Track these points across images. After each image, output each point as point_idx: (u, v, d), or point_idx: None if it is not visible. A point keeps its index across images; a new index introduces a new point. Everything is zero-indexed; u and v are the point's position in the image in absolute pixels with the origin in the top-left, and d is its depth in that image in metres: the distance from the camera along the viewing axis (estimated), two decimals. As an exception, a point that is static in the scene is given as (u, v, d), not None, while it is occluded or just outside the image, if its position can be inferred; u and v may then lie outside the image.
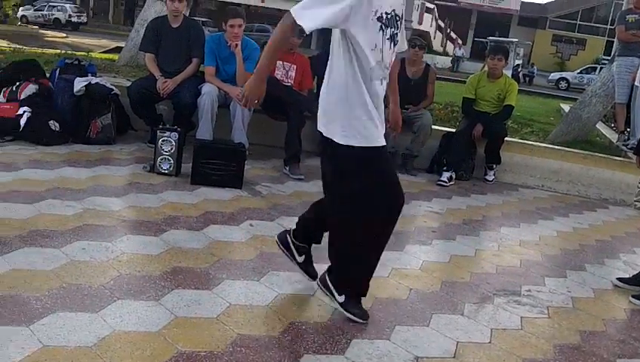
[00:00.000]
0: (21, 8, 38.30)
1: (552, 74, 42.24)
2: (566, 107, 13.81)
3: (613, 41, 11.06)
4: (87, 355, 2.72)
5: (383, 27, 3.15)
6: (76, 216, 4.35)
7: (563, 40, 52.83)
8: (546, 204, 6.92)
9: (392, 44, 3.27)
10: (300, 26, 3.00)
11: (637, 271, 4.73)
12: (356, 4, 3.01)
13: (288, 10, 3.03)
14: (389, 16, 3.16)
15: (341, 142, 3.19)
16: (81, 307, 3.10)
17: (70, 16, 42.65)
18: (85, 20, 44.16)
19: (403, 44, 3.52)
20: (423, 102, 7.52)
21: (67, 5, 44.72)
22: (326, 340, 3.18)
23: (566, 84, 39.32)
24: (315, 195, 5.75)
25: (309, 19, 2.99)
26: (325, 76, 3.34)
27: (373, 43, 3.14)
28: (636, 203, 4.55)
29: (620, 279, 4.68)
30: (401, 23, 3.30)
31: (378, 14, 3.12)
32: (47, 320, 2.92)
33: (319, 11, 2.99)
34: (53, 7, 43.28)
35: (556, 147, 8.04)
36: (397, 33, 3.27)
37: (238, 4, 35.05)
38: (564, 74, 41.96)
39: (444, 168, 7.19)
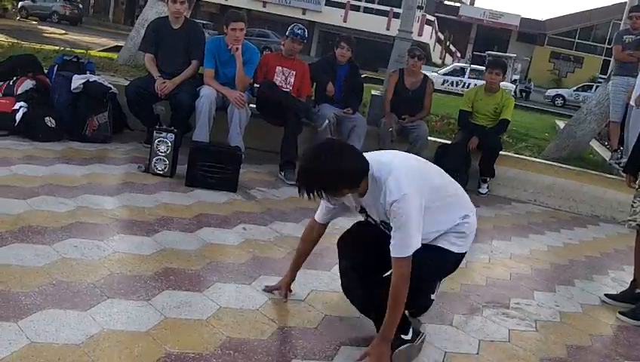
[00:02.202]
0: (21, 3, 38.32)
1: (548, 90, 42.32)
2: (561, 123, 13.86)
3: (609, 60, 11.09)
4: (74, 353, 2.72)
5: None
6: (69, 213, 4.35)
7: (561, 57, 53.00)
8: (538, 219, 6.94)
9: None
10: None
11: (625, 288, 4.76)
12: None
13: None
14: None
15: None
16: (70, 305, 3.09)
17: (64, 8, 42.59)
18: (76, 12, 43.85)
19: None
20: (419, 113, 7.54)
21: None
22: (314, 346, 3.18)
23: (562, 101, 39.39)
24: (309, 201, 5.76)
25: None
26: None
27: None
28: (630, 222, 4.56)
29: (607, 295, 4.70)
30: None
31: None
32: (35, 317, 2.92)
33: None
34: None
35: (550, 163, 8.07)
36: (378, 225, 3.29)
37: (240, 8, 35.13)
38: (560, 91, 42.03)
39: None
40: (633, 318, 4.35)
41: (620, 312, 4.42)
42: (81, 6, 46.66)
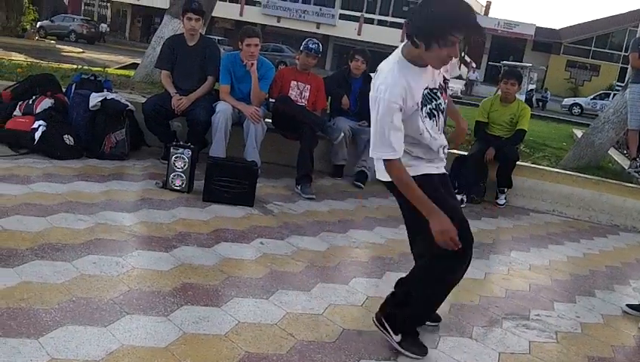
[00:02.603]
0: (39, 23, 38.86)
1: (565, 99, 42.22)
2: (579, 132, 13.79)
3: (627, 68, 11.03)
4: (95, 369, 2.74)
5: (423, 113, 3.16)
6: (88, 230, 4.38)
7: (577, 66, 52.83)
8: (556, 229, 6.90)
9: (436, 114, 3.25)
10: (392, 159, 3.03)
11: (647, 298, 4.72)
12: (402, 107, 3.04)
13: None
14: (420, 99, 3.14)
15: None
16: (90, 321, 3.11)
17: (81, 27, 43.50)
18: (93, 31, 44.80)
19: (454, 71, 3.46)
20: (435, 125, 7.52)
21: (77, 18, 45.53)
22: (333, 360, 3.17)
23: (579, 110, 39.28)
24: (326, 215, 5.79)
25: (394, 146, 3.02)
26: None
27: (419, 131, 3.18)
28: None
29: (629, 306, 4.65)
30: (440, 92, 3.24)
31: (416, 106, 3.11)
32: (56, 334, 2.94)
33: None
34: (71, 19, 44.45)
35: (568, 172, 8.02)
36: (437, 104, 3.23)
37: (255, 24, 35.35)
38: (577, 99, 41.91)
39: (456, 191, 7.17)
40: (655, 328, 4.31)
41: (641, 322, 4.39)
42: (105, 25, 47.53)
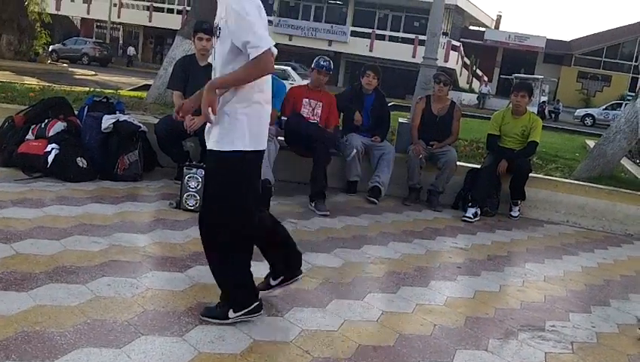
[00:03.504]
0: (51, 47, 39.21)
1: (577, 110, 42.12)
2: (591, 143, 13.76)
3: (638, 78, 11.00)
4: (111, 390, 2.74)
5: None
6: (102, 252, 4.39)
7: (588, 76, 52.69)
8: (570, 240, 6.87)
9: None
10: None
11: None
12: None
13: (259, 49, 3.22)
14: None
15: None
16: (105, 343, 3.11)
17: (94, 50, 44.03)
18: (105, 53, 45.35)
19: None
20: (447, 139, 7.54)
21: (89, 40, 46.13)
22: (349, 377, 3.17)
23: (591, 120, 39.17)
24: (341, 231, 5.79)
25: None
26: None
27: None
28: None
29: None
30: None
31: None
32: (71, 356, 2.94)
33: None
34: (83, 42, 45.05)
35: (581, 183, 8.00)
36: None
37: (264, 42, 35.33)
38: (589, 110, 41.81)
39: (469, 204, 7.17)
40: (672, 337, 4.27)
41: (658, 332, 4.35)
42: (132, 48, 48.43)
